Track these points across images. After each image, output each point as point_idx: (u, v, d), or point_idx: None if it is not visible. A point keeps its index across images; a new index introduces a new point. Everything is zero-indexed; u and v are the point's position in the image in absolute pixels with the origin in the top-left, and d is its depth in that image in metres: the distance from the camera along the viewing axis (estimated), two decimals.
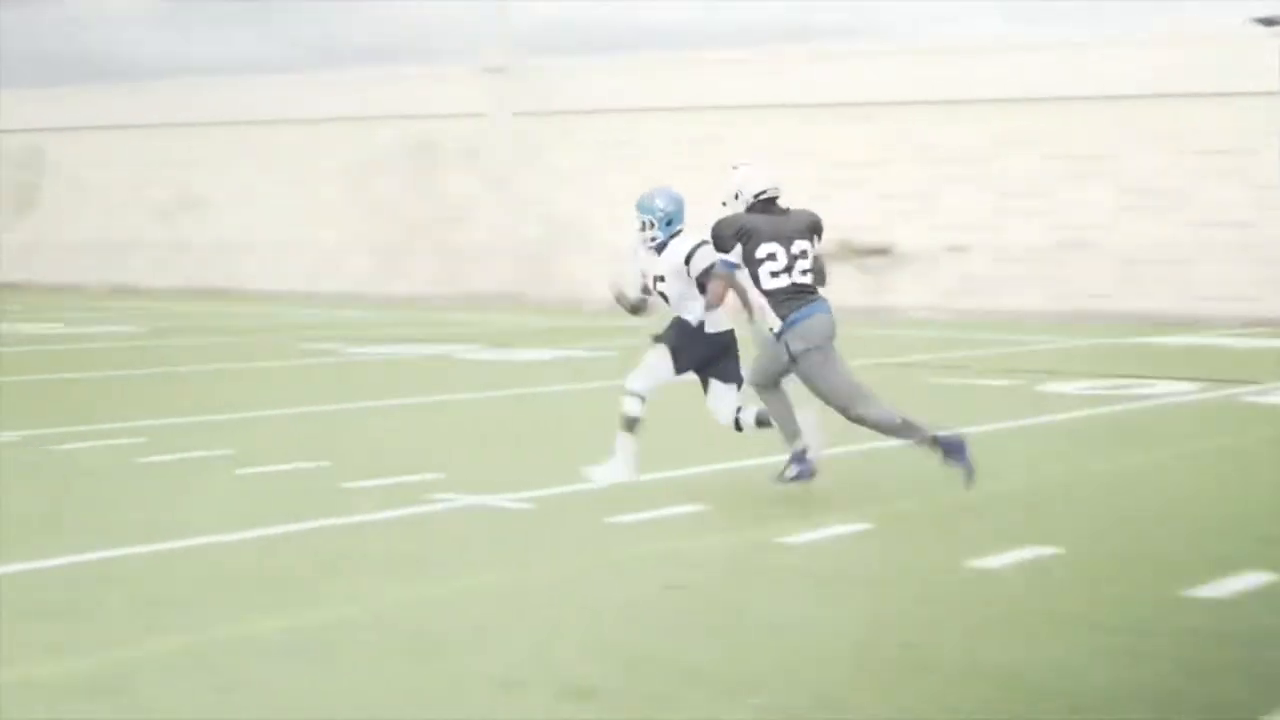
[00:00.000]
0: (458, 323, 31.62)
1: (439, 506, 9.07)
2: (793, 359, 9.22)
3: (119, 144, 57.45)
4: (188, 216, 55.23)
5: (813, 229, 9.49)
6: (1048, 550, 7.93)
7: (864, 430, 9.50)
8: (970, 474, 9.27)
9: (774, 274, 9.25)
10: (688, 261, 9.76)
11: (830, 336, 9.29)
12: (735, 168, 9.67)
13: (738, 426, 10.02)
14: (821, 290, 9.45)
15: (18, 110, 59.83)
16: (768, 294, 9.24)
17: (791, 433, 9.49)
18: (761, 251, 9.23)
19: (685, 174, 32.08)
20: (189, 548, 7.83)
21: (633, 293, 10.29)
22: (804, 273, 9.34)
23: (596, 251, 46.47)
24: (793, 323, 9.19)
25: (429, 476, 10.02)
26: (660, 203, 9.91)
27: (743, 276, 9.28)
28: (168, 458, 10.89)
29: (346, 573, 7.37)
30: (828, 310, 9.35)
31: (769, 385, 9.44)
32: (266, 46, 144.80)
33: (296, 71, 57.60)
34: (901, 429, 9.37)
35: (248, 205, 54.08)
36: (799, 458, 9.44)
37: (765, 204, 9.38)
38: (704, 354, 9.85)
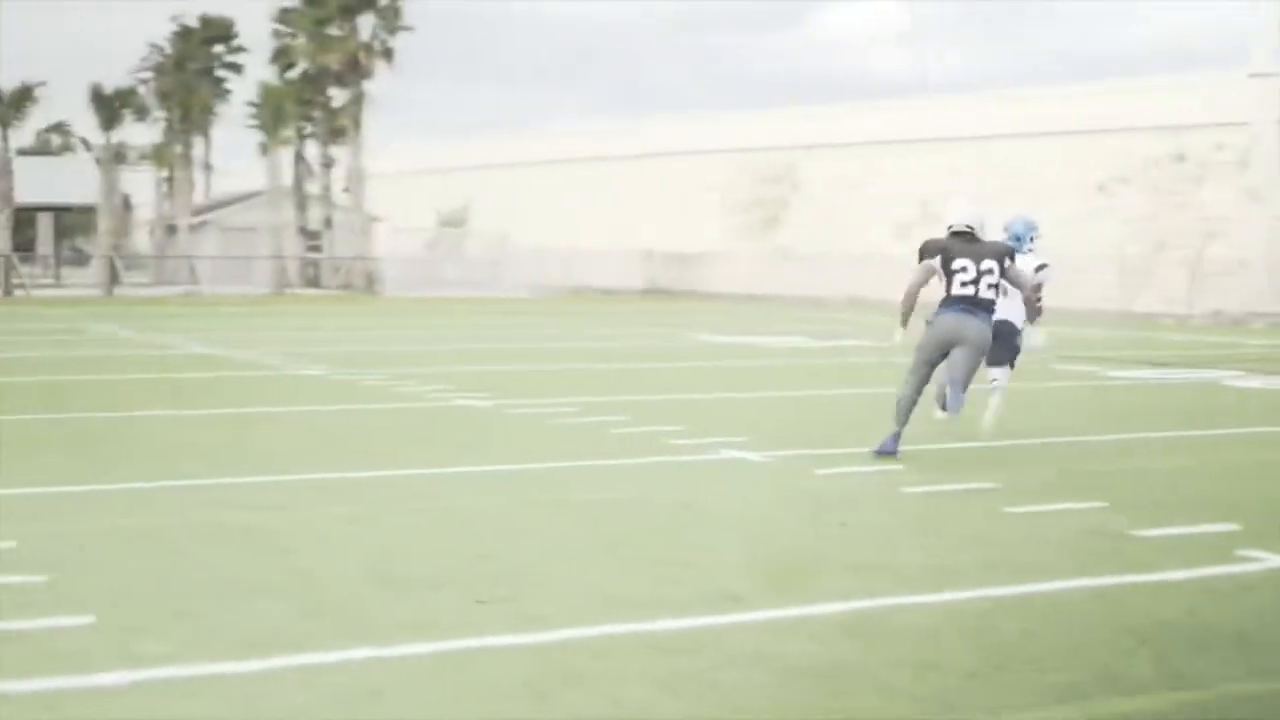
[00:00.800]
0: (1210, 345, 29.10)
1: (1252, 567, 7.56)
2: None
3: (864, 161, 58.24)
4: (926, 231, 55.02)
5: None
6: None
7: None
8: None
9: None
10: None
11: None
12: None
13: None
14: None
15: (768, 129, 61.95)
16: None
17: None
18: None
19: None
20: None
21: None
22: None
23: None
24: None
25: (1224, 527, 8.50)
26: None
27: None
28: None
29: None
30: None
31: None
32: (1009, 60, 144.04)
33: (1045, 85, 56.06)
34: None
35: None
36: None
37: None
38: None
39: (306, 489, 9.71)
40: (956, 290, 11.40)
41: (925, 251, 11.64)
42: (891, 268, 55.63)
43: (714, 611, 6.41)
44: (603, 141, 72.52)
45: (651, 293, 62.49)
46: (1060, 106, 51.83)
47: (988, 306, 11.48)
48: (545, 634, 6.03)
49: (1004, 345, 12.65)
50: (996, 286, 11.47)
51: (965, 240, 11.55)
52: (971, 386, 11.70)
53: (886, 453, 11.32)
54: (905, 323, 11.81)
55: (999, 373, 13.03)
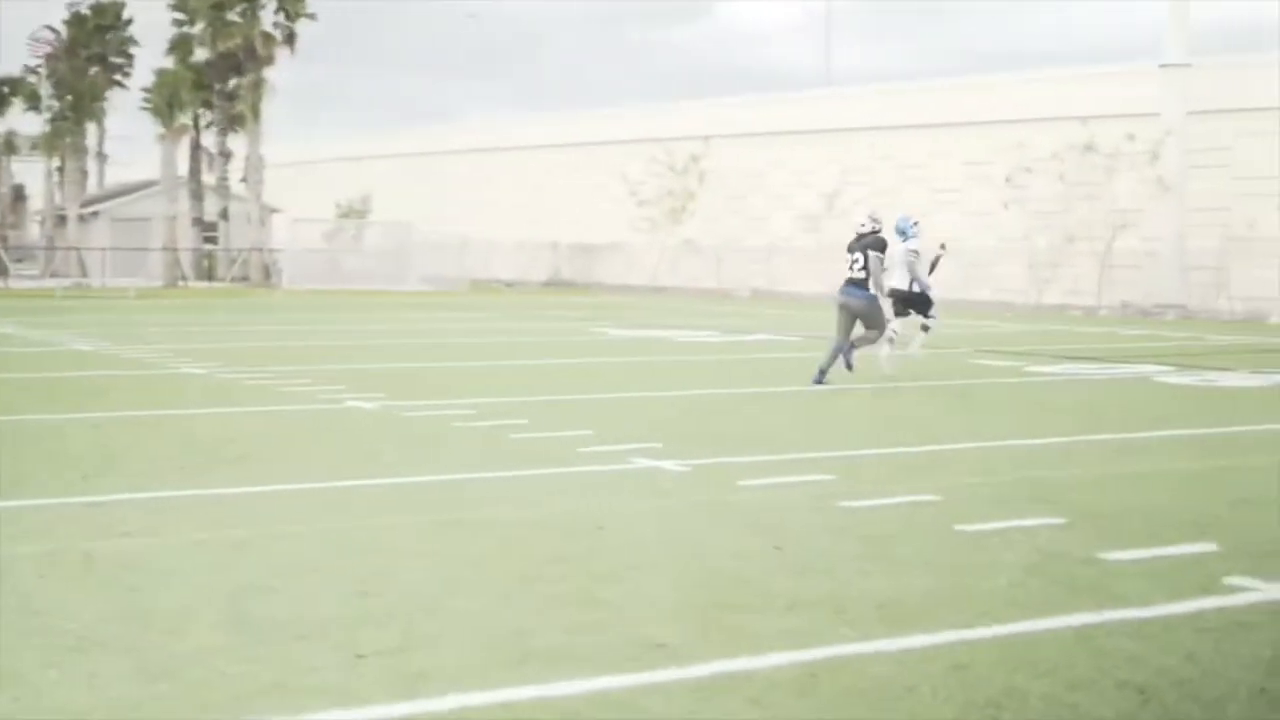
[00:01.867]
0: (1128, 338, 28.51)
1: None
2: None
3: (768, 153, 57.48)
4: (831, 223, 54.47)
5: None
6: None
7: None
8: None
9: None
10: None
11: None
12: None
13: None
14: None
15: (674, 120, 61.06)
16: None
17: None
18: None
19: None
20: None
21: None
22: None
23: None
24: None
25: (1199, 548, 7.62)
26: None
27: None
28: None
29: None
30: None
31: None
32: (914, 54, 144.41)
33: (950, 77, 55.58)
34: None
35: (891, 211, 52.78)
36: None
37: None
38: None
39: (167, 509, 8.58)
40: (846, 274, 16.91)
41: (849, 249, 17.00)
42: (797, 259, 55.02)
43: (636, 666, 5.39)
44: (508, 132, 71.33)
45: (554, 284, 61.40)
46: (966, 98, 51.37)
47: (859, 283, 16.72)
48: (433, 701, 4.99)
49: (900, 303, 18.21)
50: (866, 269, 16.67)
51: (857, 238, 16.93)
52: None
53: (816, 383, 16.61)
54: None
55: (896, 323, 18.09)
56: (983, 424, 13.48)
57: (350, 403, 14.30)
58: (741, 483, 9.56)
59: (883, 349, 17.57)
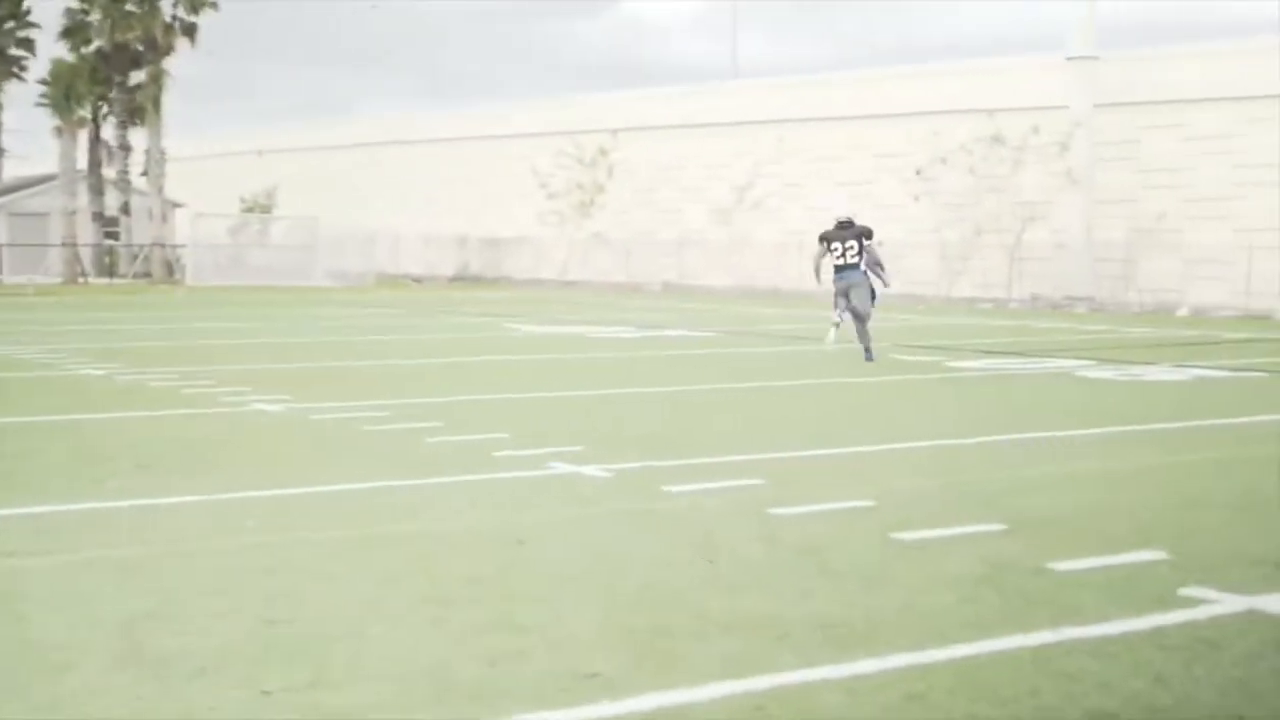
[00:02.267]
0: (1042, 331, 28.42)
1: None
2: None
3: (678, 145, 57.15)
4: (745, 216, 54.26)
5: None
6: None
7: None
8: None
9: None
10: None
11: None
12: None
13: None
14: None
15: (583, 113, 60.57)
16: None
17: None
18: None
19: None
20: None
21: None
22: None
23: (1186, 251, 42.37)
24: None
25: (1148, 556, 7.30)
26: None
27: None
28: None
29: None
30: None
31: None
32: (821, 46, 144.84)
33: (857, 69, 55.48)
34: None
35: (801, 204, 52.68)
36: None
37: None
38: None
39: (57, 526, 8.02)
40: (836, 260, 19.47)
41: (821, 238, 19.83)
42: (709, 252, 54.74)
43: (567, 700, 4.96)
44: (416, 126, 70.52)
45: (463, 279, 60.76)
46: (875, 91, 51.30)
47: (853, 267, 19.43)
48: None
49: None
50: (860, 253, 19.41)
51: (838, 227, 19.57)
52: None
53: (867, 360, 19.29)
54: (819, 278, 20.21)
55: (836, 314, 19.96)
56: (909, 423, 13.15)
57: (255, 405, 13.75)
58: (667, 489, 9.14)
59: (830, 334, 20.00)
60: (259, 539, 7.63)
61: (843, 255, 19.26)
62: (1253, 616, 6.19)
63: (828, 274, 19.66)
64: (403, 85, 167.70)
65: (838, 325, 19.78)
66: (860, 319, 19.27)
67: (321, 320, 29.94)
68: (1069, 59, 43.73)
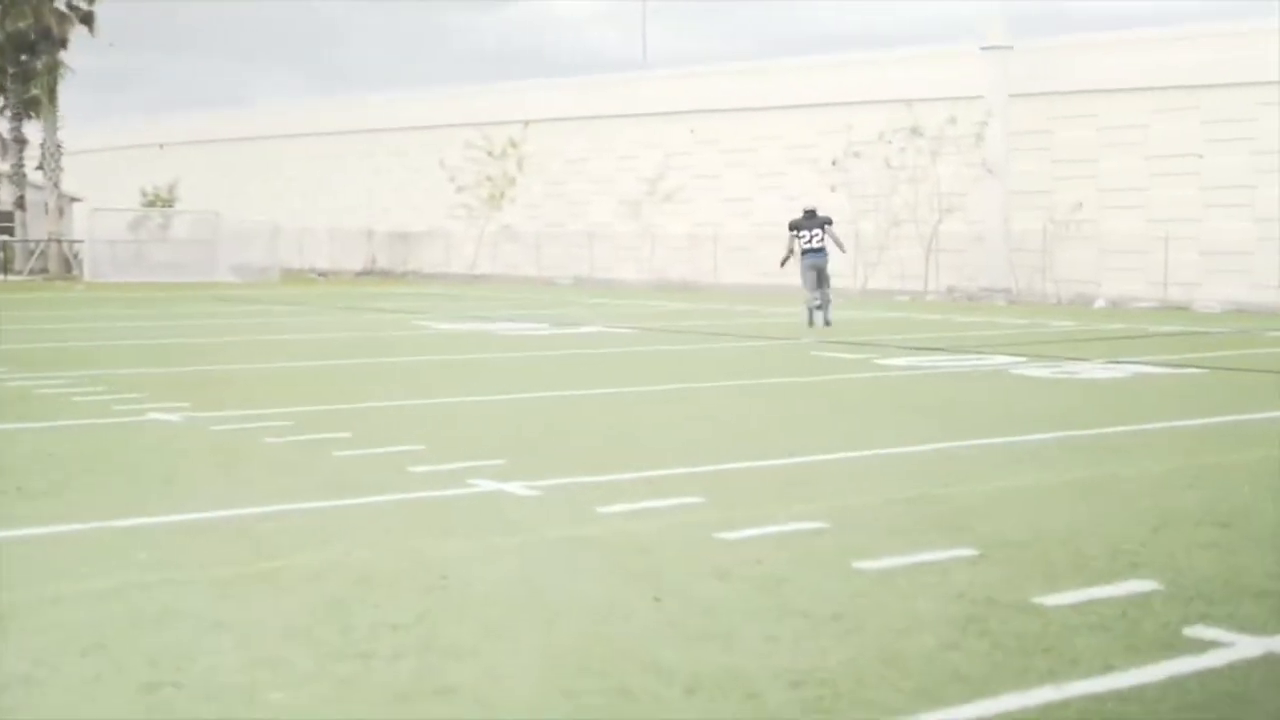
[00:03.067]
0: (964, 325, 27.92)
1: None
2: None
3: (588, 137, 56.33)
4: (655, 209, 53.55)
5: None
6: None
7: None
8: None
9: None
10: None
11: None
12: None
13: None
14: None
15: (492, 104, 59.58)
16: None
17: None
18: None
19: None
20: None
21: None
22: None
23: (1102, 242, 42.16)
24: None
25: (1140, 586, 6.61)
26: None
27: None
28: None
29: None
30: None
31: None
32: (730, 37, 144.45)
33: (769, 60, 54.94)
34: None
35: (713, 196, 52.06)
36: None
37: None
38: None
39: None
40: (805, 245, 24.86)
41: (791, 226, 25.38)
42: (619, 245, 53.98)
43: None
44: (321, 116, 69.18)
45: (371, 273, 59.61)
46: (788, 81, 50.77)
47: (820, 250, 24.72)
48: None
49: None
50: (824, 239, 24.82)
51: (806, 216, 25.10)
52: None
53: (825, 325, 24.57)
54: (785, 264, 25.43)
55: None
56: (849, 429, 12.46)
57: (151, 414, 12.81)
58: (601, 509, 8.35)
59: (815, 316, 24.85)
60: (146, 577, 6.75)
61: (810, 240, 24.73)
62: (1272, 662, 5.51)
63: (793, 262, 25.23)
64: (308, 76, 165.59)
65: (817, 306, 24.56)
66: (826, 283, 24.82)
67: (224, 318, 28.88)
68: (984, 49, 43.37)
